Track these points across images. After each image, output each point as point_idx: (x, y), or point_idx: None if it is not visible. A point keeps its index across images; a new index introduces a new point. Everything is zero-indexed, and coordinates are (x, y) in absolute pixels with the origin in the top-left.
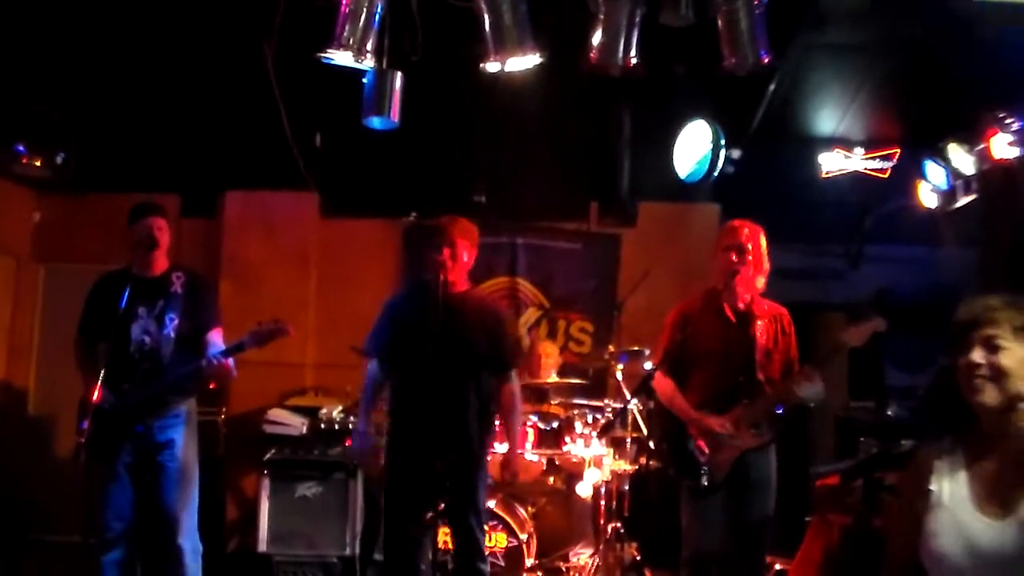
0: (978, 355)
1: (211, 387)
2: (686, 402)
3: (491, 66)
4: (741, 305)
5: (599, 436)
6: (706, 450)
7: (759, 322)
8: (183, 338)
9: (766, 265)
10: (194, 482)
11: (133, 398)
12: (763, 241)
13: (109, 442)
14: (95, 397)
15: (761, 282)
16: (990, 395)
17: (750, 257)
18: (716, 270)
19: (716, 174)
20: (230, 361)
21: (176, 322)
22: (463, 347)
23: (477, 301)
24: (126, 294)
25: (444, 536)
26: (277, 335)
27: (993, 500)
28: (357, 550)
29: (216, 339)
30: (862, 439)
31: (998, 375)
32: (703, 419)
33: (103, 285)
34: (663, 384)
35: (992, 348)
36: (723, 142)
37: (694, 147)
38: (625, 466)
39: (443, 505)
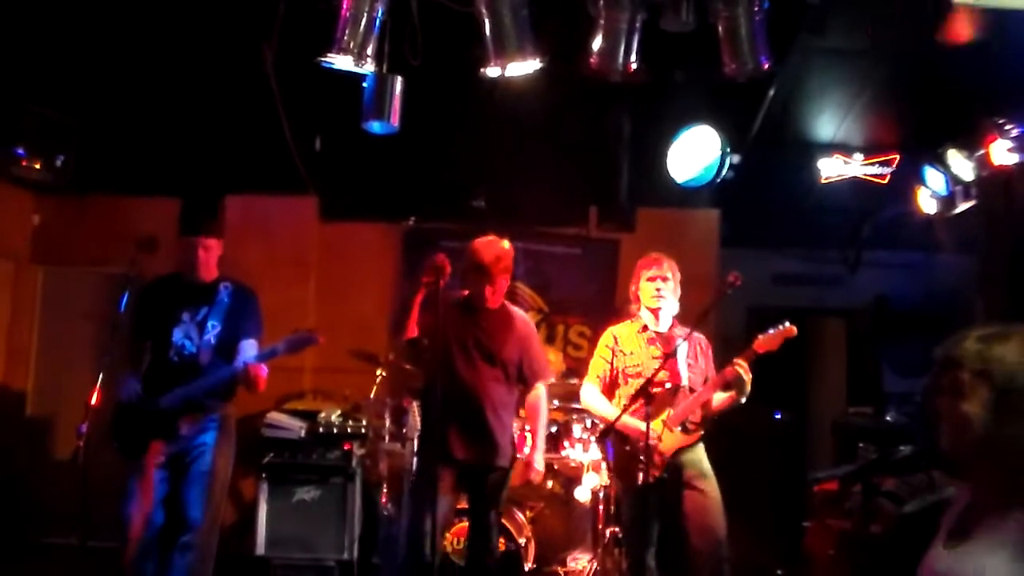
0: (943, 401)
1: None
2: (616, 410)
3: (491, 71)
4: (663, 328)
5: (597, 441)
6: (640, 452)
7: (679, 340)
8: (222, 346)
9: (679, 293)
10: (220, 486)
11: (169, 401)
12: (678, 273)
13: (141, 444)
14: (93, 400)
15: (677, 308)
16: (951, 444)
17: (671, 286)
18: (637, 298)
19: (719, 180)
20: (263, 367)
21: (218, 330)
22: (493, 355)
23: (511, 315)
24: (172, 299)
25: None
26: (310, 343)
27: (956, 530)
28: (355, 554)
29: (249, 347)
30: (860, 444)
31: (960, 422)
32: (634, 425)
33: (153, 290)
34: (596, 400)
35: (955, 393)
36: (729, 148)
37: (698, 152)
38: None
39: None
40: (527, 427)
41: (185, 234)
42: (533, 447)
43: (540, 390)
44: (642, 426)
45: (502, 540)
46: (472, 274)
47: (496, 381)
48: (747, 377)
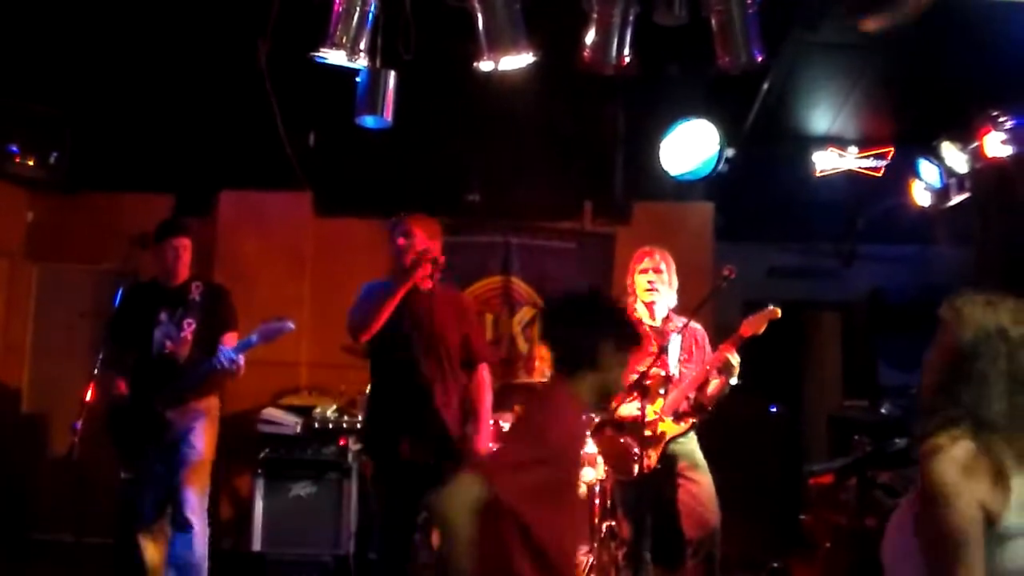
0: None
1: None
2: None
3: (485, 65)
4: (658, 321)
5: (592, 435)
6: (635, 442)
7: (673, 333)
8: (199, 341)
9: (676, 284)
10: (206, 467)
11: (155, 399)
12: (672, 264)
13: (136, 440)
14: (88, 397)
15: (674, 299)
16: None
17: (665, 277)
18: (633, 291)
19: (714, 173)
20: (241, 358)
21: (193, 327)
22: (434, 341)
23: (448, 296)
24: (150, 302)
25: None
26: (283, 331)
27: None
28: (351, 549)
29: (229, 342)
30: (856, 437)
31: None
32: (627, 413)
33: (132, 295)
34: None
35: None
36: (724, 142)
37: (694, 146)
38: None
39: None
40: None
41: (161, 238)
42: (476, 430)
43: (484, 374)
44: (635, 412)
45: None
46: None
47: (440, 369)
48: (735, 360)
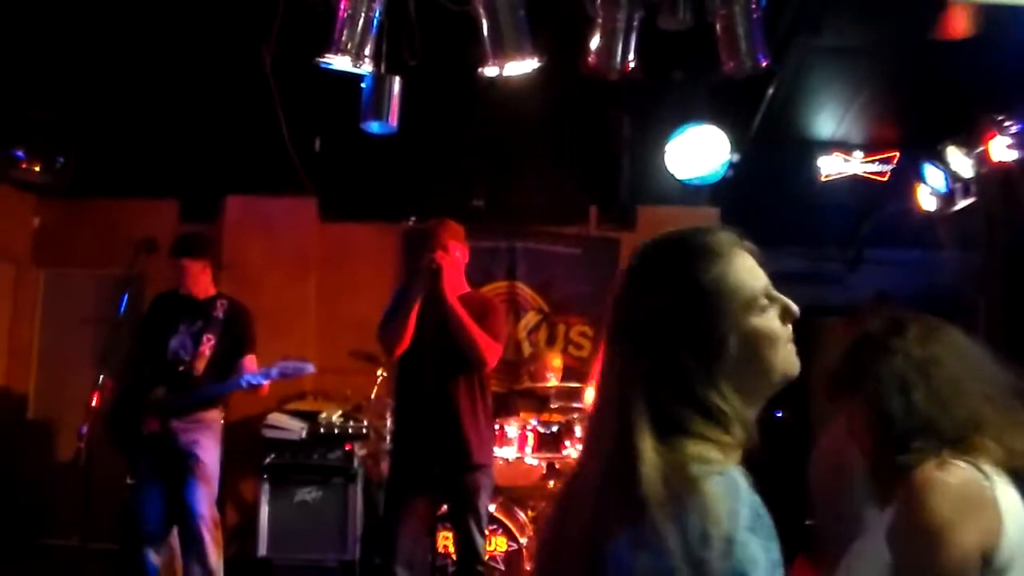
0: None
1: None
2: None
3: (489, 70)
4: None
5: None
6: None
7: None
8: (216, 358)
9: None
10: (214, 480)
11: (168, 406)
12: None
13: (133, 442)
14: (94, 402)
15: None
16: None
17: None
18: None
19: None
20: (266, 386)
21: (212, 343)
22: (456, 350)
23: (472, 301)
24: (172, 311)
25: (444, 540)
26: (303, 373)
27: None
28: (357, 554)
29: (249, 364)
30: None
31: None
32: None
33: (158, 303)
34: None
35: None
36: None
37: (703, 152)
38: None
39: (445, 508)
40: (527, 425)
41: (172, 256)
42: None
43: None
44: None
45: (504, 539)
46: (423, 246)
47: (461, 375)
48: None
